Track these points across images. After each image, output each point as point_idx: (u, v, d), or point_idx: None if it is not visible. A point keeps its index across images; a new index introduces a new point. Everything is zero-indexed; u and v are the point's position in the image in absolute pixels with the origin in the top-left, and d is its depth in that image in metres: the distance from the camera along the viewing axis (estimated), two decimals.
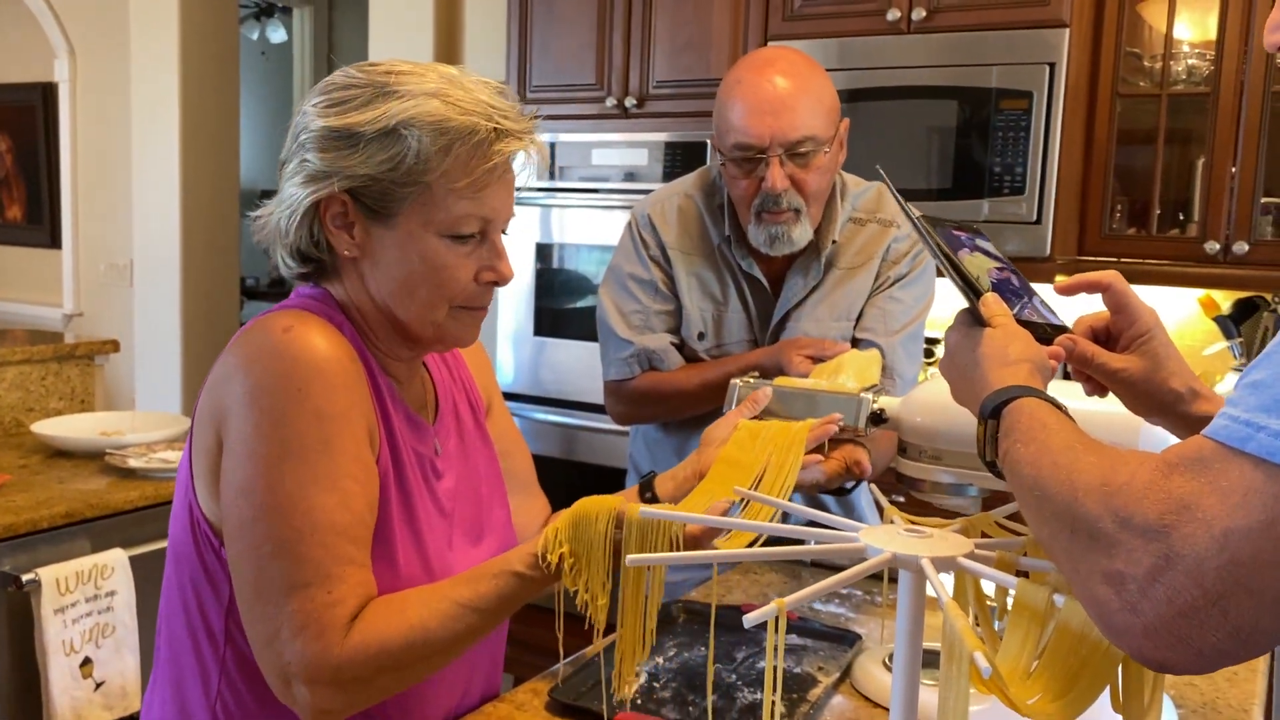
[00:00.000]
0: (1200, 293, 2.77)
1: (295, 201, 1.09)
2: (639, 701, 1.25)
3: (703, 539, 1.04)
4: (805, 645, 1.43)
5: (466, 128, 1.05)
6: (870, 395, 1.32)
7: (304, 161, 1.08)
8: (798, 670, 1.35)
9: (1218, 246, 2.64)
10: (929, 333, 3.12)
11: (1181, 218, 2.78)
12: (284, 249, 1.13)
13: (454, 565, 1.16)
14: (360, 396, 1.08)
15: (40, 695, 1.97)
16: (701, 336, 1.78)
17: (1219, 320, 2.72)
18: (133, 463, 2.27)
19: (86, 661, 2.00)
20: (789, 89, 1.64)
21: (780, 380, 1.39)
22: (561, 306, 3.26)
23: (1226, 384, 2.63)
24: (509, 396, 3.36)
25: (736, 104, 1.66)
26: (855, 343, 1.74)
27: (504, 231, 1.14)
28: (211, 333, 4.59)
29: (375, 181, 1.06)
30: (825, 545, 0.88)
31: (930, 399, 1.28)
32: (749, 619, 0.75)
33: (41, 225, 5.39)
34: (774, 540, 0.97)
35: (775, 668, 0.78)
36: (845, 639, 1.44)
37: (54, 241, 5.31)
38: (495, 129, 1.07)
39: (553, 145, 3.22)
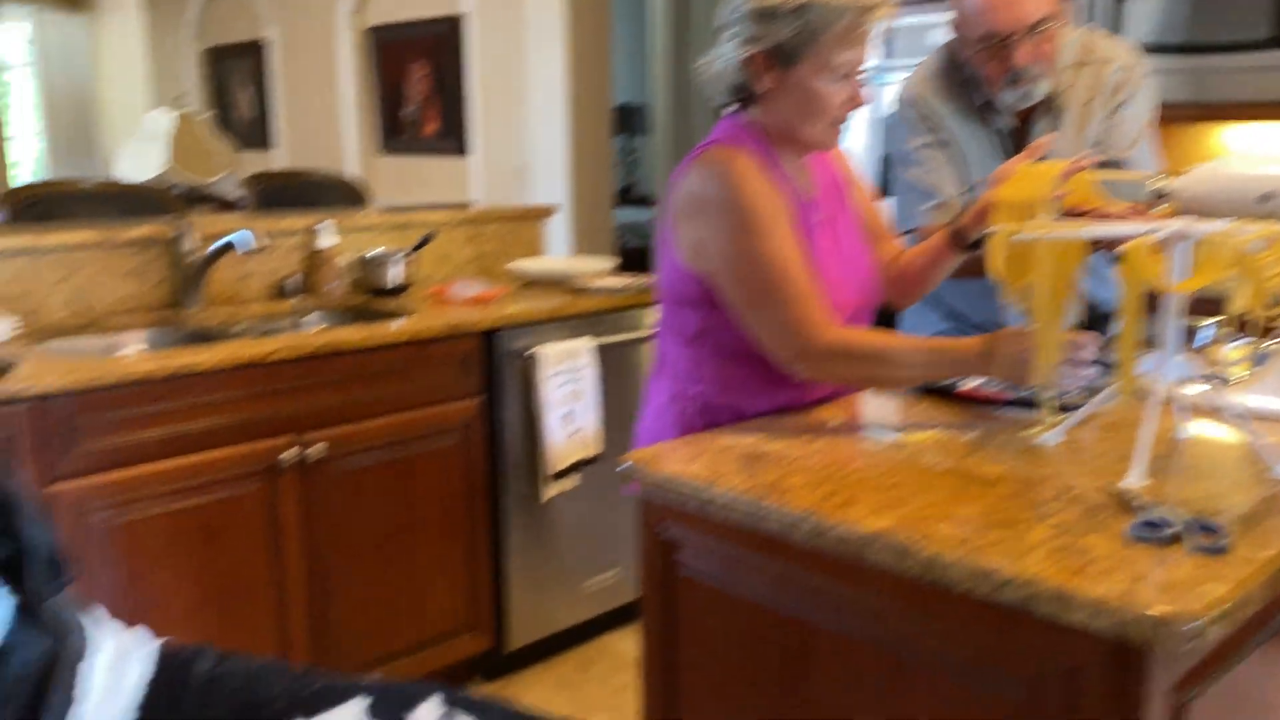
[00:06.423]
0: None
1: (733, 55, 1.65)
2: None
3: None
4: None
5: (847, 5, 1.56)
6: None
7: (740, 28, 1.64)
8: None
9: None
10: None
11: None
12: (723, 86, 1.71)
13: (834, 276, 1.69)
14: (779, 200, 1.62)
15: (537, 436, 2.82)
16: (971, 189, 2.13)
17: None
18: (591, 284, 3.10)
19: (568, 414, 2.83)
20: None
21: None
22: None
23: None
24: None
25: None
26: (1102, 165, 2.02)
27: (860, 72, 1.64)
28: (590, 229, 5.37)
29: (787, 41, 1.59)
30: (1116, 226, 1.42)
31: (1205, 174, 1.75)
32: None
33: (454, 137, 6.50)
34: None
35: None
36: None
37: (462, 150, 6.39)
38: (864, 6, 1.59)
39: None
